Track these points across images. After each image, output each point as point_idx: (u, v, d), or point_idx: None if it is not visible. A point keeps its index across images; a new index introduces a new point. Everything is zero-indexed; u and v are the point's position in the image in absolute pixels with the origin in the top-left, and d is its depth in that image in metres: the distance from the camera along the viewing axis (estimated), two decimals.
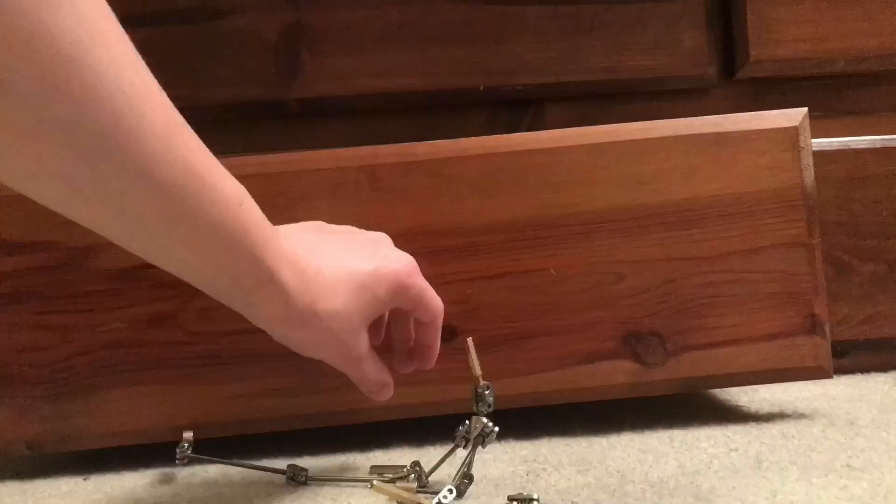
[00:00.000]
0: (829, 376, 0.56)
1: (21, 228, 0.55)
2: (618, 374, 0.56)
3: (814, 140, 0.58)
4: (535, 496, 0.41)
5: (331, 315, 0.41)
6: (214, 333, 0.55)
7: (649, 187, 0.56)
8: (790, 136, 0.56)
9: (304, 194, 0.55)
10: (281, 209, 0.55)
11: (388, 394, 0.48)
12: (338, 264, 0.41)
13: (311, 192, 0.55)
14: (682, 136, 0.56)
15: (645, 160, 0.56)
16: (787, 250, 0.56)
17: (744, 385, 0.57)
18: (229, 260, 0.36)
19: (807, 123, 0.56)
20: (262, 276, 0.37)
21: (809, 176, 0.56)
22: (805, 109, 0.57)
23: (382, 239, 0.47)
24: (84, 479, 0.55)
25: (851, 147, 0.73)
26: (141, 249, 0.36)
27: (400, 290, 0.44)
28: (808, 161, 0.56)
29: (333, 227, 0.48)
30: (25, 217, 0.55)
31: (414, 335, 0.49)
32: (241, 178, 0.55)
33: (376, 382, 0.47)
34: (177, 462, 0.50)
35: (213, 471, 0.54)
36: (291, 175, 0.55)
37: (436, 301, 0.46)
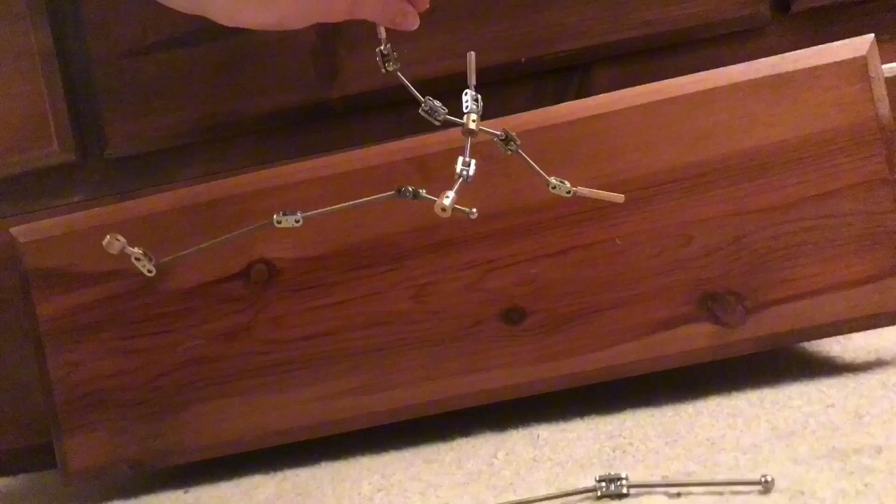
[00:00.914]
0: None
1: (92, 260, 0.57)
2: (698, 339, 0.54)
3: (886, 66, 0.54)
4: (624, 475, 0.40)
5: None
6: (287, 340, 0.56)
7: (709, 141, 0.53)
8: (858, 68, 0.52)
9: (358, 194, 0.55)
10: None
11: (411, 22, 0.45)
12: None
13: (365, 191, 0.55)
14: (737, 84, 0.53)
15: (701, 114, 0.53)
16: (867, 189, 0.52)
17: (833, 336, 0.54)
18: None
19: (875, 51, 0.52)
20: None
21: (884, 107, 0.52)
22: (871, 36, 0.53)
23: None
24: (185, 493, 0.57)
25: None
26: None
27: None
28: (881, 91, 0.52)
29: None
30: (97, 248, 0.57)
31: None
32: (294, 186, 0.56)
33: (387, 17, 0.43)
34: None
35: (304, 475, 0.55)
36: (343, 176, 0.56)
37: None
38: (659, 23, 0.69)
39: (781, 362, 0.61)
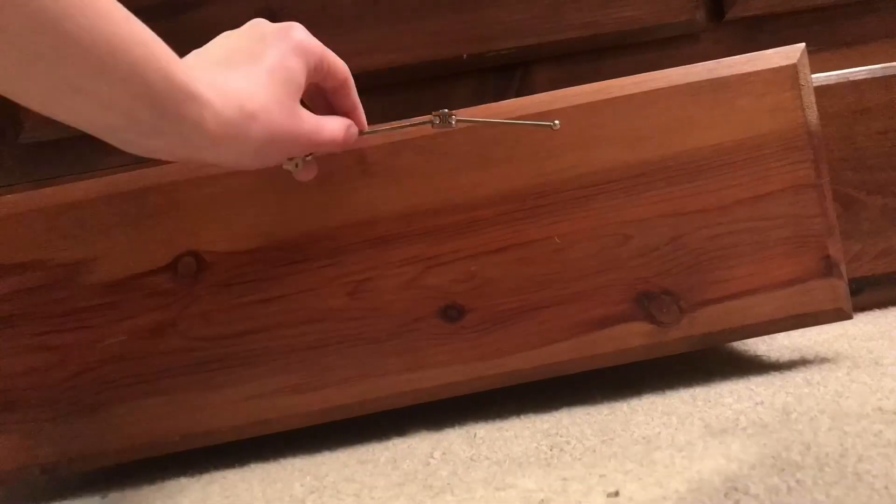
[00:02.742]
0: (849, 317, 0.55)
1: (7, 249, 0.53)
2: (633, 337, 0.54)
3: (813, 76, 0.56)
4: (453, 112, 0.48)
5: (263, 110, 0.39)
6: (217, 337, 0.54)
7: (648, 142, 0.54)
8: (789, 75, 0.54)
9: (294, 186, 0.53)
10: (271, 203, 0.53)
11: (354, 132, 0.48)
12: (250, 65, 0.40)
13: (303, 183, 0.53)
14: (676, 87, 0.54)
15: (641, 115, 0.54)
16: (796, 193, 0.54)
17: (762, 335, 0.55)
18: (138, 82, 0.33)
19: (806, 60, 0.54)
20: (180, 94, 0.35)
21: (813, 114, 0.54)
22: (802, 45, 0.54)
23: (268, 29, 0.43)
24: (102, 498, 0.54)
25: (850, 79, 0.71)
26: (44, 101, 0.34)
27: (307, 56, 0.42)
28: (809, 99, 0.54)
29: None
30: (11, 238, 0.53)
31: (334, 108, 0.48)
32: (227, 175, 0.53)
33: (340, 131, 0.46)
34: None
35: (232, 477, 0.53)
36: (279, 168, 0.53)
37: (339, 61, 0.46)
38: (599, 24, 0.70)
39: (712, 361, 0.62)
